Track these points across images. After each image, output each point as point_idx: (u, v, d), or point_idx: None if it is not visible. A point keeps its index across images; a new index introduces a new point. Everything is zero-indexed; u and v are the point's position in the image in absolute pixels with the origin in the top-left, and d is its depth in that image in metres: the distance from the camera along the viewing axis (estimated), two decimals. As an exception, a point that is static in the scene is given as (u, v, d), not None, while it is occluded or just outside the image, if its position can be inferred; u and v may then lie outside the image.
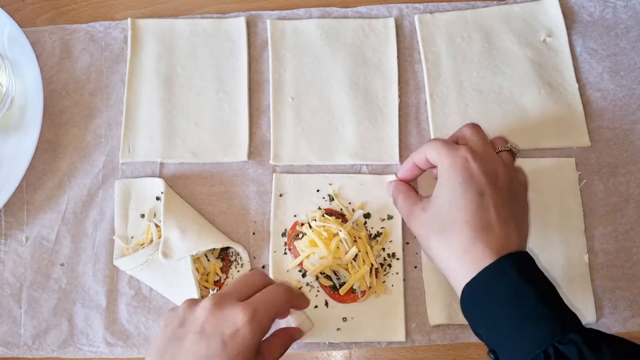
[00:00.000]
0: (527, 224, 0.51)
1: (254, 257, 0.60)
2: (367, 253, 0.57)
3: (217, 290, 0.58)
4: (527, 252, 0.47)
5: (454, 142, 0.51)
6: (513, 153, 0.52)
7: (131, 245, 0.59)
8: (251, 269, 0.59)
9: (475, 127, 0.52)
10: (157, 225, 0.59)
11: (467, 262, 0.45)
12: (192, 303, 0.44)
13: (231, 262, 0.59)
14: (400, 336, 0.56)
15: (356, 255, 0.56)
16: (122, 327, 0.58)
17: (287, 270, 0.58)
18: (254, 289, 0.45)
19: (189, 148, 0.62)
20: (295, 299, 0.47)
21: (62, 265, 0.60)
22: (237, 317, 0.41)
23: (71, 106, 0.65)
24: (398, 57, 0.65)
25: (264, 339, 0.44)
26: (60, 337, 0.58)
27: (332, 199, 0.60)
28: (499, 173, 0.49)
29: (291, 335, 0.49)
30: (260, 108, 0.64)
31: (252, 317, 0.41)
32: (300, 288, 0.58)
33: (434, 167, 0.53)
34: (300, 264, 0.58)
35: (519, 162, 0.61)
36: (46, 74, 0.65)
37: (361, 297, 0.57)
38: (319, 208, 0.60)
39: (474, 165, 0.48)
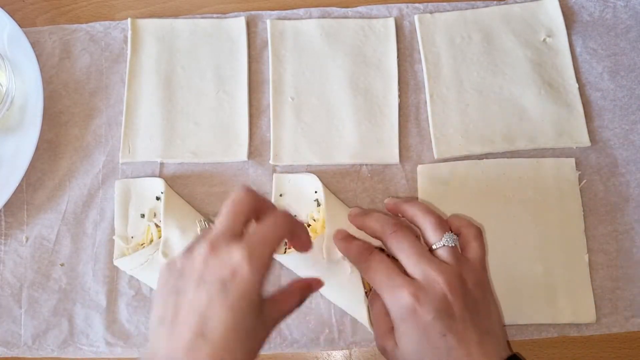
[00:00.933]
0: (498, 305, 0.47)
1: (254, 257, 0.59)
2: None
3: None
4: (516, 355, 0.43)
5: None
6: (452, 246, 0.46)
7: (131, 245, 0.59)
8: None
9: (401, 235, 0.46)
10: (157, 225, 0.59)
11: None
12: (188, 252, 0.41)
13: (231, 262, 0.59)
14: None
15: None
16: (122, 327, 0.58)
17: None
18: (246, 218, 0.42)
19: (189, 148, 0.62)
20: (296, 229, 0.44)
21: (62, 265, 0.60)
22: (234, 259, 0.39)
23: (71, 106, 0.65)
24: (398, 57, 0.65)
25: (279, 292, 0.43)
26: (60, 337, 0.58)
27: (332, 199, 0.60)
28: (448, 299, 0.43)
29: (308, 285, 0.45)
30: (260, 108, 0.64)
31: (249, 255, 0.38)
32: None
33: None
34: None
35: (519, 163, 0.61)
36: (46, 74, 0.65)
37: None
38: (318, 205, 0.59)
39: (423, 311, 0.42)
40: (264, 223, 0.42)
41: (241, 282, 0.38)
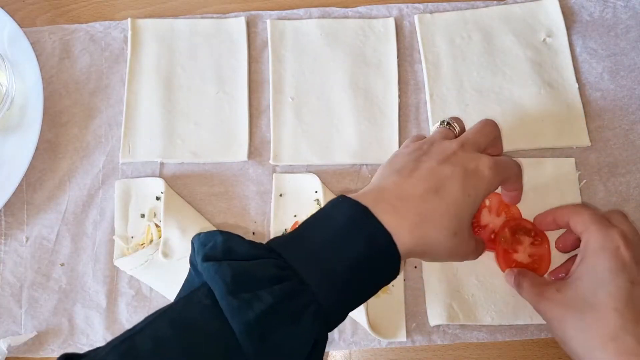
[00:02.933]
0: None
1: (254, 257, 0.59)
2: None
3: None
4: None
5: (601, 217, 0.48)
6: None
7: (131, 245, 0.59)
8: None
9: (623, 214, 0.49)
10: (157, 225, 0.59)
11: (612, 353, 0.41)
12: (436, 142, 0.45)
13: (231, 262, 0.59)
14: (402, 336, 0.56)
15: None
16: (122, 327, 0.58)
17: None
18: (489, 142, 0.47)
19: (189, 148, 0.62)
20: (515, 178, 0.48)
21: (62, 265, 0.60)
22: (481, 160, 0.43)
23: (71, 106, 0.65)
24: (398, 57, 0.65)
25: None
26: (60, 337, 0.58)
27: (332, 199, 0.60)
28: None
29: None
30: (260, 108, 0.64)
31: (495, 165, 0.43)
32: None
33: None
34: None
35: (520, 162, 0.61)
36: (46, 74, 0.65)
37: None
38: (319, 204, 0.59)
39: (626, 253, 0.44)
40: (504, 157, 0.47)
41: (481, 179, 0.42)
